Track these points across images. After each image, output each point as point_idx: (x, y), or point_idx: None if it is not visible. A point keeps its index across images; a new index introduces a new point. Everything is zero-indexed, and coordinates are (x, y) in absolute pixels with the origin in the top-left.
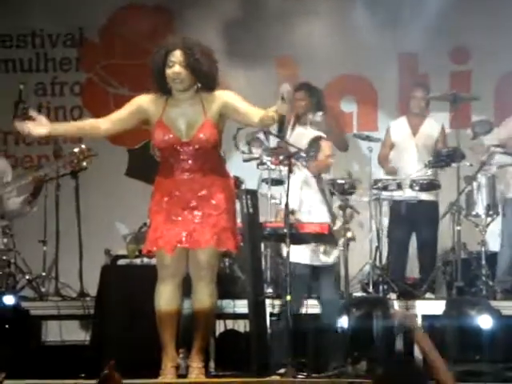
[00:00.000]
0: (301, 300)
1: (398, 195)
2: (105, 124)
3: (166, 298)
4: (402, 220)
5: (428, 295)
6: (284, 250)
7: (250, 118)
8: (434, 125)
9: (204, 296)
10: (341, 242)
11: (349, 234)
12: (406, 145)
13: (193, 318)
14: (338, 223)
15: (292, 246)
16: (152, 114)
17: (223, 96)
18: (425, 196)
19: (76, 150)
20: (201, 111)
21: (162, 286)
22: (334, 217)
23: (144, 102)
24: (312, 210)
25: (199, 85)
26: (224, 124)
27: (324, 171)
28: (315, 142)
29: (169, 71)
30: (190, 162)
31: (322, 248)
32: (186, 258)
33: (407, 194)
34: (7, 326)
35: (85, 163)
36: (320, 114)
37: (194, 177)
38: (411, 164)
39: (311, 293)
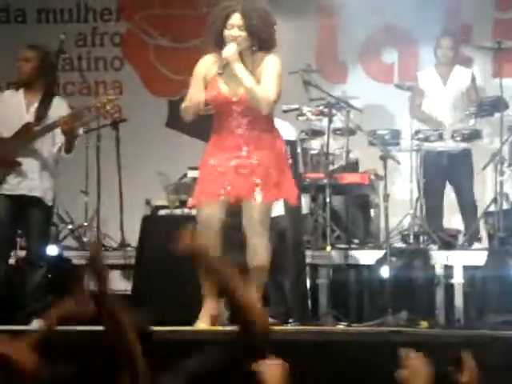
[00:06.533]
0: None
1: (439, 146)
2: None
3: None
4: (435, 170)
5: (468, 246)
6: None
7: None
8: (465, 72)
9: (256, 251)
10: (381, 193)
11: None
12: (438, 94)
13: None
14: None
15: None
16: (210, 73)
17: (269, 61)
18: (455, 146)
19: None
20: (249, 70)
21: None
22: None
23: (203, 68)
24: None
25: (254, 47)
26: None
27: None
28: None
29: (227, 33)
30: (238, 119)
31: None
32: (226, 212)
33: (448, 144)
34: (50, 276)
35: (109, 107)
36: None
37: (242, 134)
38: (445, 113)
39: None
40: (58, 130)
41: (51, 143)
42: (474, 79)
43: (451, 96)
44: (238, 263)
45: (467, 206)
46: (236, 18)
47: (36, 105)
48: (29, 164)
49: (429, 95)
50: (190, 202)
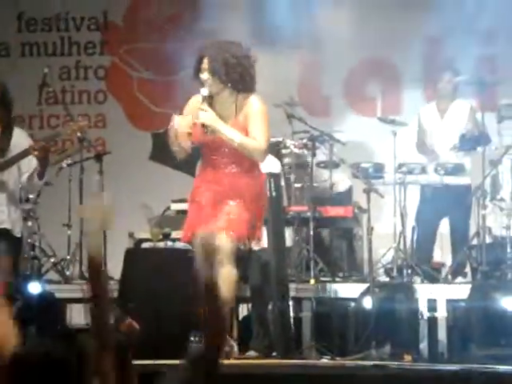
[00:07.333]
0: None
1: (423, 179)
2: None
3: None
4: (431, 204)
5: (451, 279)
6: None
7: None
8: (463, 106)
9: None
10: (365, 226)
11: None
12: (435, 129)
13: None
14: None
15: None
16: (197, 112)
17: (251, 106)
18: (454, 180)
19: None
20: (233, 112)
21: None
22: None
23: (192, 107)
24: None
25: (232, 89)
26: None
27: None
28: None
29: (200, 76)
30: (219, 158)
31: None
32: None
33: (432, 178)
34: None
35: (79, 133)
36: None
37: (225, 171)
38: (440, 148)
39: None
40: (24, 160)
41: (18, 174)
42: (474, 111)
43: (447, 130)
44: None
45: (461, 242)
46: (205, 62)
47: None
48: None
49: (426, 129)
50: (181, 236)
